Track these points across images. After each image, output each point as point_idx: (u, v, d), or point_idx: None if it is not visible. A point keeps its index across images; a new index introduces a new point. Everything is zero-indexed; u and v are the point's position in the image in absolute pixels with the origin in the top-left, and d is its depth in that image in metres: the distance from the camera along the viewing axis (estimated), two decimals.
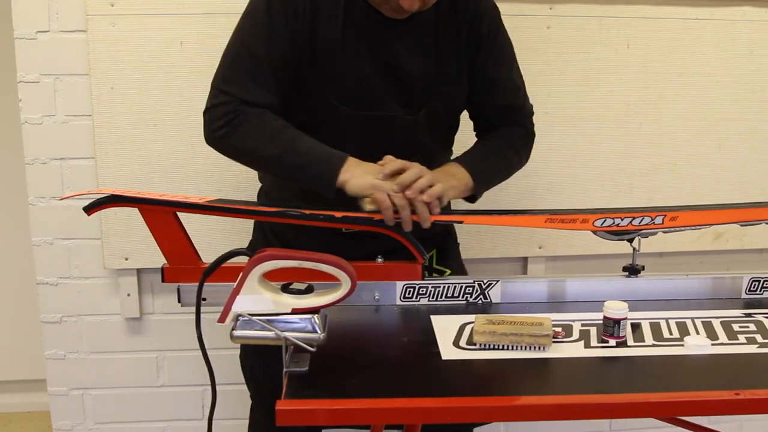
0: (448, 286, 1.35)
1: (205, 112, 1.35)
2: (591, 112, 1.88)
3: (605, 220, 1.35)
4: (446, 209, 1.39)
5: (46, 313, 1.90)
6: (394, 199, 1.26)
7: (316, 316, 1.09)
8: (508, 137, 1.49)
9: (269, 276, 1.11)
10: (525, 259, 1.96)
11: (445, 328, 1.24)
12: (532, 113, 1.53)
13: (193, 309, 1.15)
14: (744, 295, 1.40)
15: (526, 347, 1.15)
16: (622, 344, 1.19)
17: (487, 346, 1.15)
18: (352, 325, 1.29)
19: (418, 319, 1.30)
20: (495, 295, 1.36)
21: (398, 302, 1.35)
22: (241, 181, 1.82)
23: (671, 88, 1.89)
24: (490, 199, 1.88)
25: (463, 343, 1.18)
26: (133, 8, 1.72)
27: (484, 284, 1.36)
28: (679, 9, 1.84)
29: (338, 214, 1.31)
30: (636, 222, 1.35)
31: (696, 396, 1.03)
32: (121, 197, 1.30)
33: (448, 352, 1.16)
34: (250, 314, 1.08)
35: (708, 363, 1.14)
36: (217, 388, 1.13)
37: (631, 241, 1.38)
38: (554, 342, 1.18)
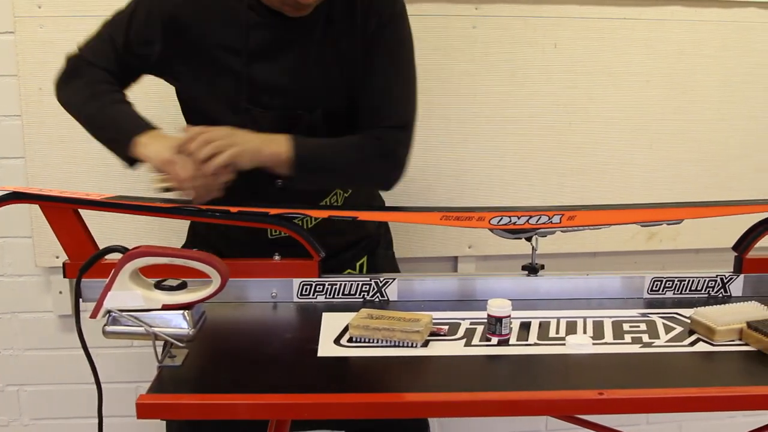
0: (345, 284, 1.36)
1: None
2: (519, 112, 1.87)
3: (502, 218, 1.35)
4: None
5: None
6: (179, 172, 1.16)
7: (187, 312, 1.10)
8: (362, 145, 1.35)
9: (154, 272, 1.12)
10: (455, 259, 1.96)
11: (332, 325, 1.24)
12: (401, 128, 1.36)
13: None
14: (646, 295, 1.40)
15: (400, 344, 1.15)
16: (504, 343, 1.19)
17: (363, 341, 1.16)
18: (243, 321, 1.30)
19: (310, 316, 1.30)
20: (392, 292, 1.37)
21: (295, 299, 1.36)
22: None
23: (600, 88, 1.88)
24: (424, 197, 1.89)
25: (344, 340, 1.19)
26: (60, 10, 1.73)
27: (381, 282, 1.36)
28: (607, 9, 1.83)
29: (233, 210, 1.32)
30: (533, 221, 1.35)
31: (559, 395, 1.03)
32: (22, 194, 1.34)
33: (326, 349, 1.16)
34: (120, 310, 1.10)
35: (585, 362, 1.14)
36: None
37: (529, 239, 1.38)
38: (435, 340, 1.19)
